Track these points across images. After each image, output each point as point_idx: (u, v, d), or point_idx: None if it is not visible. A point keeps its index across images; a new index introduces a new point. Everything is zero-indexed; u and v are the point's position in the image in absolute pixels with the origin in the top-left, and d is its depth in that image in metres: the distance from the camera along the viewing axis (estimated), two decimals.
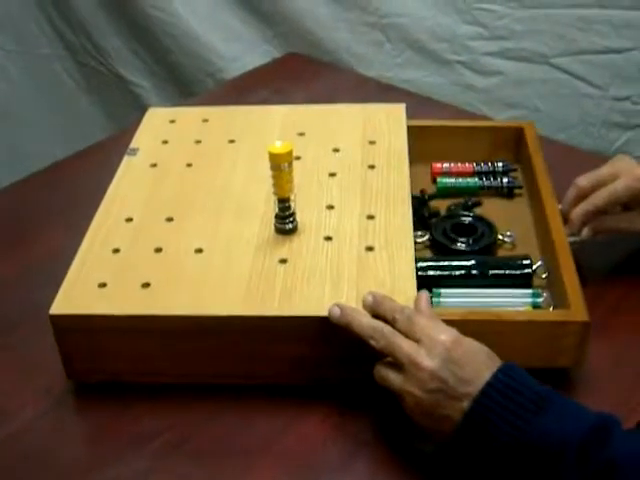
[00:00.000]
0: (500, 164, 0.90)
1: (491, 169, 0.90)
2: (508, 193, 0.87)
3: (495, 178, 0.88)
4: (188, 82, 1.67)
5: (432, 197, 0.86)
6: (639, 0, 1.29)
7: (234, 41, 1.61)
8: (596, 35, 1.35)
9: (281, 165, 0.73)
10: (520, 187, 0.88)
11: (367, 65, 1.50)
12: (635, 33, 1.32)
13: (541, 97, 1.40)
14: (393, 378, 0.63)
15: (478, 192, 0.88)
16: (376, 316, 0.66)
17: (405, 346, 0.62)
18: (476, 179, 0.89)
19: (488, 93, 1.43)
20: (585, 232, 0.79)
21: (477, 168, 0.90)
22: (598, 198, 0.78)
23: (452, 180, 0.88)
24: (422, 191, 0.87)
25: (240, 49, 1.61)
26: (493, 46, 1.42)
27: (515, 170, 0.91)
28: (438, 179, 0.88)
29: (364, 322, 0.65)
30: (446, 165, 0.91)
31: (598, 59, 1.35)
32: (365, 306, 0.67)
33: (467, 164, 0.91)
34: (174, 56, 1.66)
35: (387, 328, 0.64)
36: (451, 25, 1.44)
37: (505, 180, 0.87)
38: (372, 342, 0.64)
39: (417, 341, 0.62)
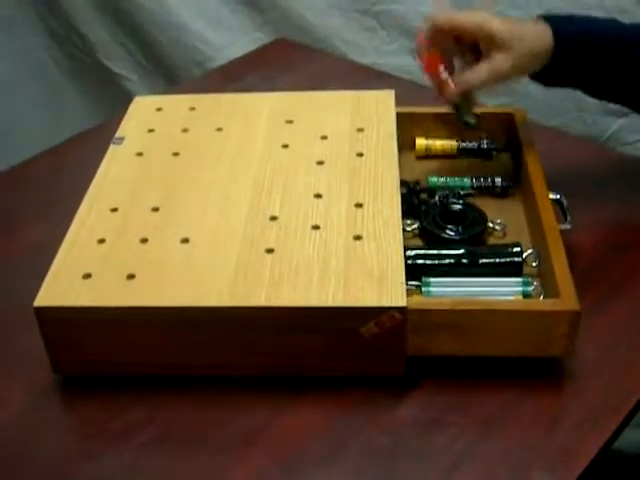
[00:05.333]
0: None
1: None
2: (502, 193, 0.85)
3: (486, 178, 0.86)
4: (176, 72, 1.65)
5: (422, 190, 0.85)
6: None
7: (223, 29, 1.60)
8: None
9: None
10: (513, 186, 0.86)
11: (359, 52, 1.49)
12: (629, 18, 1.31)
13: (535, 83, 1.40)
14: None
15: (471, 193, 0.86)
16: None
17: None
18: (465, 180, 0.86)
19: None
20: (456, 92, 0.79)
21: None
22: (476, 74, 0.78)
23: (443, 179, 0.87)
24: (414, 182, 0.86)
25: (229, 37, 1.59)
26: None
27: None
28: (429, 178, 0.87)
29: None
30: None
31: None
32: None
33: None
34: (162, 46, 1.65)
35: None
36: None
37: (498, 180, 0.85)
38: None
39: None
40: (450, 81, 0.79)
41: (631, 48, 0.79)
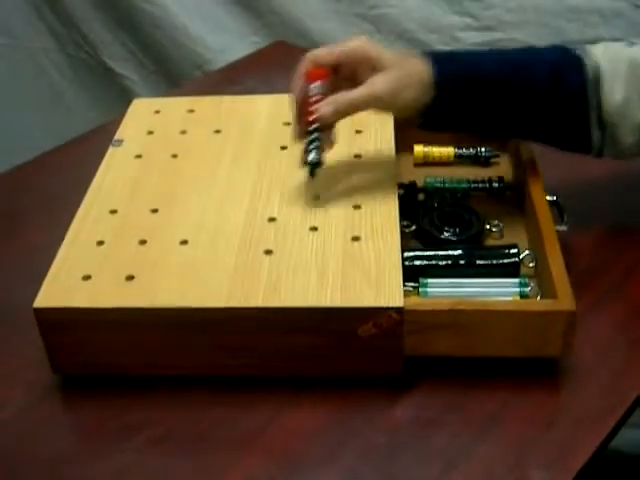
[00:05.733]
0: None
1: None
2: (498, 194, 0.86)
3: (484, 180, 0.86)
4: (176, 74, 1.67)
5: (419, 190, 0.85)
6: None
7: (222, 33, 1.61)
8: (586, 25, 1.34)
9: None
10: (511, 189, 0.86)
11: None
12: (624, 23, 1.32)
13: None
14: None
15: (468, 193, 0.86)
16: None
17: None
18: (463, 181, 0.87)
19: None
20: (328, 111, 0.72)
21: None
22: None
23: (440, 181, 0.87)
24: (411, 184, 0.86)
25: (228, 41, 1.60)
26: (482, 36, 1.42)
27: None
28: (426, 180, 0.87)
29: None
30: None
31: None
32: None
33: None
34: (162, 48, 1.66)
35: None
36: (440, 15, 1.44)
37: (495, 181, 0.86)
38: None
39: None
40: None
41: (513, 83, 0.75)
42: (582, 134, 0.77)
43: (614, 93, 0.74)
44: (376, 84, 0.72)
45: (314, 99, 0.73)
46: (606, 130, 0.76)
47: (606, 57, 0.76)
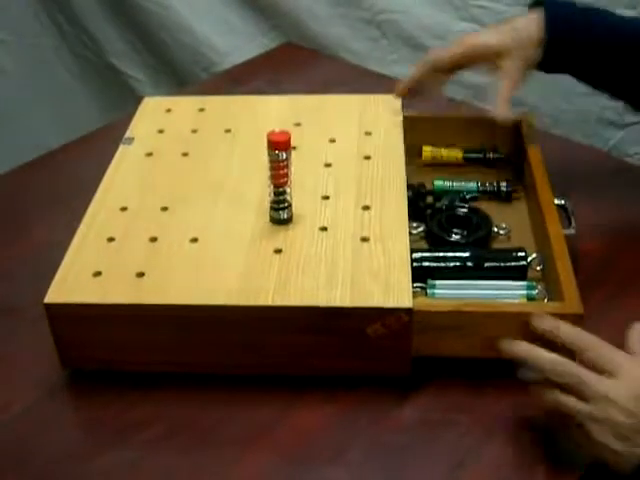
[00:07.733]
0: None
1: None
2: (506, 197, 0.86)
3: (492, 182, 0.87)
4: (183, 75, 1.67)
5: (428, 194, 0.86)
6: None
7: (229, 35, 1.61)
8: None
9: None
10: (518, 191, 0.87)
11: (363, 61, 1.50)
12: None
13: (535, 94, 1.40)
14: (577, 406, 0.59)
15: (476, 196, 0.87)
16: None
17: (595, 382, 0.59)
18: (471, 184, 0.87)
19: (483, 90, 1.43)
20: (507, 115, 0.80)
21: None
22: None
23: (449, 183, 0.87)
24: (420, 186, 0.87)
25: (235, 42, 1.60)
26: None
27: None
28: (435, 181, 0.88)
29: (544, 356, 0.62)
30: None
31: None
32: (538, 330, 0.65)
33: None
34: (169, 49, 1.66)
35: (570, 364, 0.60)
36: (447, 22, 1.43)
37: (504, 184, 0.86)
38: (553, 377, 0.60)
39: (609, 374, 0.59)
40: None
41: (625, 44, 0.79)
42: None
43: None
44: (513, 69, 0.80)
45: (282, 164, 0.73)
46: None
47: None
